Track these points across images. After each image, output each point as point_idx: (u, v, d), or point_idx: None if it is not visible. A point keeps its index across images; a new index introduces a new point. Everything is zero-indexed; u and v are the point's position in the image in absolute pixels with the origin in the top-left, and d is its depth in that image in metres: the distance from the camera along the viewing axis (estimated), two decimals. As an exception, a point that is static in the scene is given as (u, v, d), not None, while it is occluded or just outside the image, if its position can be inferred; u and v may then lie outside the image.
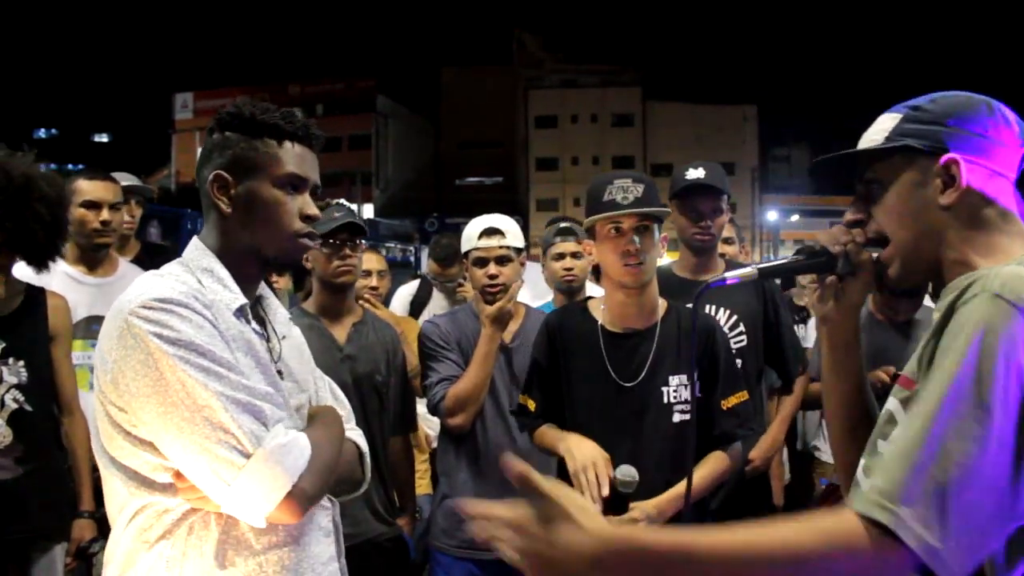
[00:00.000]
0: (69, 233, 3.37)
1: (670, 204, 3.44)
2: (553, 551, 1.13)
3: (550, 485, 1.17)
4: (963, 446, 1.10)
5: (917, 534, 1.08)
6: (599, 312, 2.71)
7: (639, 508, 2.46)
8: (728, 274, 1.60)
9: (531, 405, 2.75)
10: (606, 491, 2.43)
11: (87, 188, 3.54)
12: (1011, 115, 1.37)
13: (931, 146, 1.35)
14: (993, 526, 1.12)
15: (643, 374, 2.60)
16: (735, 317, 3.23)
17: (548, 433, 2.68)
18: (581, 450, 2.50)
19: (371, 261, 4.21)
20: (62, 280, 3.40)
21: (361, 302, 3.66)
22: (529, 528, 1.14)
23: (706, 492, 2.66)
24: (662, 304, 2.71)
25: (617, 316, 2.67)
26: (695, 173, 3.38)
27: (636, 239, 2.53)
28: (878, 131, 1.42)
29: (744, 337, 3.21)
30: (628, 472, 2.48)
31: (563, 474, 2.56)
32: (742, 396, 2.70)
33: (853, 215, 1.49)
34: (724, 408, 2.65)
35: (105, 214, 3.55)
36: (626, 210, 2.53)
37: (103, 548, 3.05)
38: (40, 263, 2.96)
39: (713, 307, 3.27)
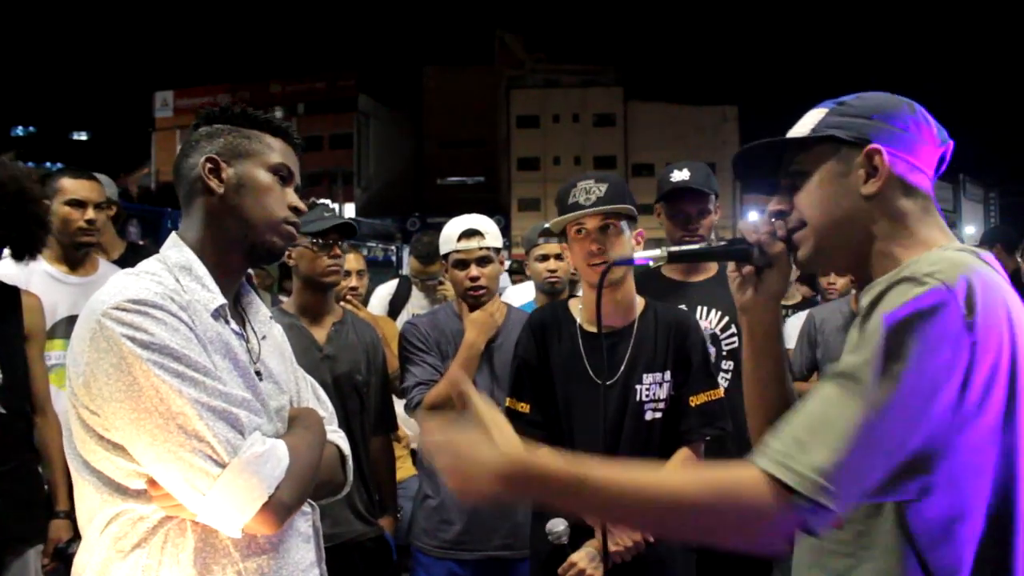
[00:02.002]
0: (52, 231, 3.36)
1: (657, 207, 3.44)
2: (467, 465, 1.22)
3: (482, 405, 1.27)
4: (867, 415, 1.15)
5: (813, 495, 1.13)
6: (577, 311, 2.72)
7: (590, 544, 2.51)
8: (637, 254, 1.64)
9: (523, 408, 2.68)
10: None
11: (71, 187, 3.50)
12: (930, 117, 1.43)
13: (855, 137, 1.39)
14: (876, 483, 1.19)
15: (620, 372, 2.60)
16: (727, 318, 3.23)
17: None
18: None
19: (351, 261, 4.20)
20: (42, 279, 3.37)
21: (342, 303, 3.65)
22: (452, 442, 1.24)
23: None
24: (640, 302, 2.71)
25: (594, 315, 2.67)
26: (680, 175, 3.36)
27: (600, 238, 2.54)
28: (804, 124, 1.46)
29: (736, 339, 3.21)
30: (555, 526, 2.53)
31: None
32: (713, 394, 2.68)
33: (777, 205, 1.51)
34: (692, 405, 2.64)
35: (90, 213, 3.52)
36: (588, 210, 2.54)
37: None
38: (26, 255, 2.97)
39: (705, 308, 3.25)
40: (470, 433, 1.23)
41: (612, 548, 2.46)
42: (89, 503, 1.61)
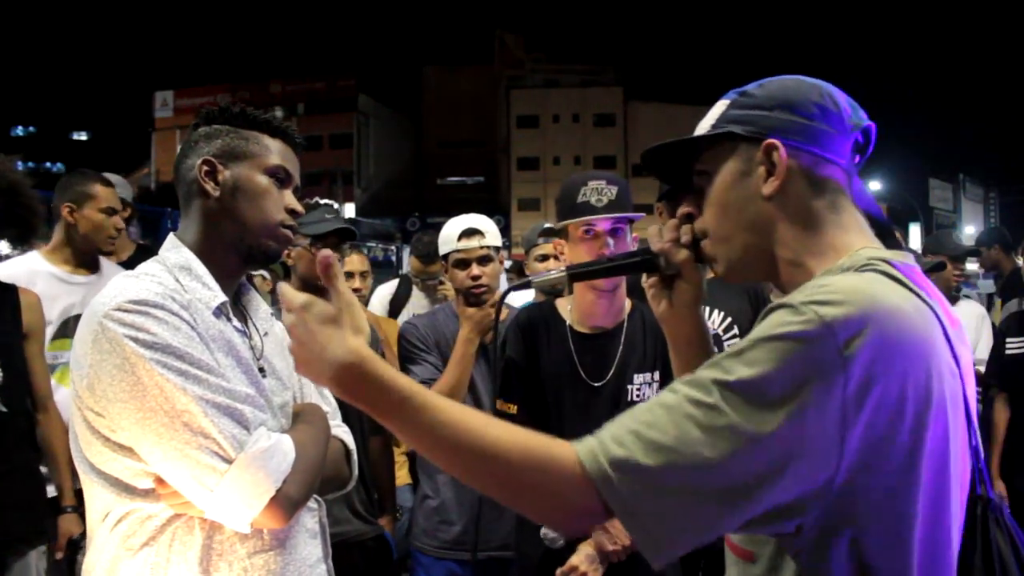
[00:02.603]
0: (75, 236, 3.42)
1: (659, 206, 3.42)
2: (314, 345, 1.17)
3: (348, 296, 1.21)
4: (713, 456, 1.04)
5: (597, 476, 1.07)
6: (567, 312, 2.71)
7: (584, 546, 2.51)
8: (533, 278, 1.57)
9: (511, 409, 2.66)
10: None
11: (106, 195, 3.54)
12: (842, 99, 1.28)
13: (753, 132, 1.25)
14: (714, 527, 1.08)
15: (611, 373, 2.60)
16: (729, 319, 3.22)
17: None
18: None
19: (354, 262, 4.20)
20: (47, 280, 3.38)
21: None
22: (311, 318, 1.18)
23: None
24: (627, 303, 2.72)
25: (586, 316, 2.67)
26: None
27: (610, 242, 2.53)
28: (709, 118, 1.33)
29: (738, 340, 3.20)
30: (550, 530, 2.51)
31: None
32: None
33: (685, 208, 1.40)
34: None
35: (119, 221, 3.59)
36: (600, 214, 2.53)
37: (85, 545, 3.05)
38: (23, 242, 3.05)
39: (707, 308, 3.24)
40: (327, 321, 1.18)
41: (610, 548, 2.47)
42: (98, 503, 1.61)
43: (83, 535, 3.02)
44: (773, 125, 1.25)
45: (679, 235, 1.41)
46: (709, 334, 1.53)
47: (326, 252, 1.24)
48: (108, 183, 3.61)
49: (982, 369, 4.58)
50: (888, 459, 1.06)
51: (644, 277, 1.52)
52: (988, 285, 10.67)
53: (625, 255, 1.53)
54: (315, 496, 1.76)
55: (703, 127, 1.33)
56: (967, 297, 6.05)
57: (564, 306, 2.74)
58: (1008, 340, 4.35)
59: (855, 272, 1.17)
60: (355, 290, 4.19)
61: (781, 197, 1.24)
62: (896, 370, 1.05)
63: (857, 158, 1.29)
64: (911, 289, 1.14)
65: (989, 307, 6.64)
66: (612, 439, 1.09)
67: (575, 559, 2.50)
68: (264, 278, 5.48)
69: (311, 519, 1.77)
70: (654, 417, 1.08)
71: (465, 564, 3.17)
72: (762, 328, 1.09)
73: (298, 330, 1.19)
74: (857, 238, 1.25)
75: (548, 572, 2.53)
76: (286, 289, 1.22)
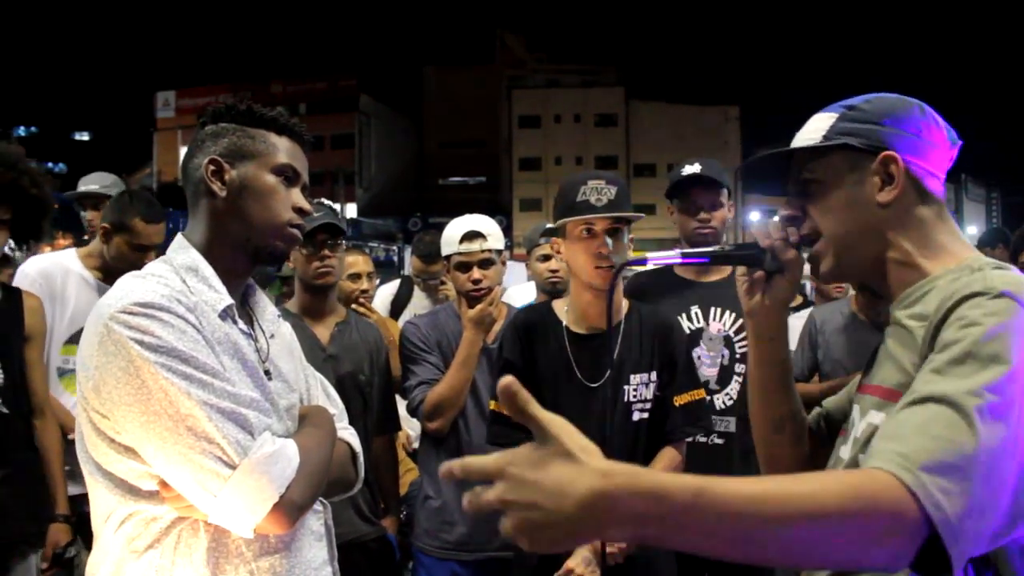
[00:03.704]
0: (106, 253, 3.41)
1: (669, 206, 3.39)
2: (540, 494, 0.91)
3: (548, 416, 0.97)
4: (995, 430, 1.06)
5: (936, 500, 1.00)
6: (563, 312, 2.71)
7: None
8: (651, 255, 1.60)
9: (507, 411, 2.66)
10: None
11: (144, 231, 3.38)
12: (940, 118, 1.41)
13: (869, 144, 1.36)
14: (1004, 514, 1.08)
15: (607, 374, 2.60)
16: (741, 320, 3.21)
17: None
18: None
19: (359, 264, 4.20)
20: (77, 282, 3.39)
21: (353, 307, 3.65)
22: (515, 471, 0.92)
23: None
24: (624, 303, 2.71)
25: (582, 316, 2.67)
26: (691, 168, 3.30)
27: (609, 241, 2.53)
28: (814, 130, 1.43)
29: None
30: None
31: None
32: (696, 394, 2.70)
33: (788, 211, 1.49)
34: (677, 405, 2.65)
35: (151, 257, 3.38)
36: (600, 213, 2.53)
37: (79, 552, 3.05)
38: (27, 241, 3.00)
39: (719, 310, 3.22)
40: (543, 461, 0.93)
41: (608, 550, 2.46)
42: (103, 504, 1.61)
43: (69, 545, 3.02)
44: (886, 138, 1.36)
45: (787, 234, 1.49)
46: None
47: (507, 381, 0.98)
48: (152, 217, 3.41)
49: None
50: None
51: (740, 269, 1.58)
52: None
53: (737, 246, 1.58)
54: (321, 499, 1.75)
55: (810, 138, 1.42)
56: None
57: (561, 307, 2.74)
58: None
59: (993, 268, 1.27)
60: (363, 291, 4.20)
61: (895, 205, 1.36)
62: None
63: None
64: None
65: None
66: (910, 450, 1.04)
67: (571, 562, 2.49)
68: None
69: (317, 521, 1.76)
70: (925, 420, 1.09)
71: (467, 565, 3.17)
72: (970, 321, 1.15)
73: (513, 497, 0.92)
74: (963, 245, 1.37)
75: (545, 575, 2.52)
76: (472, 461, 0.96)
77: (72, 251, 3.55)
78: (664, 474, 0.97)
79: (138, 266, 3.41)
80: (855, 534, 0.98)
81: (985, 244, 6.81)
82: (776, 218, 1.53)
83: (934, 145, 1.38)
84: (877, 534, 0.99)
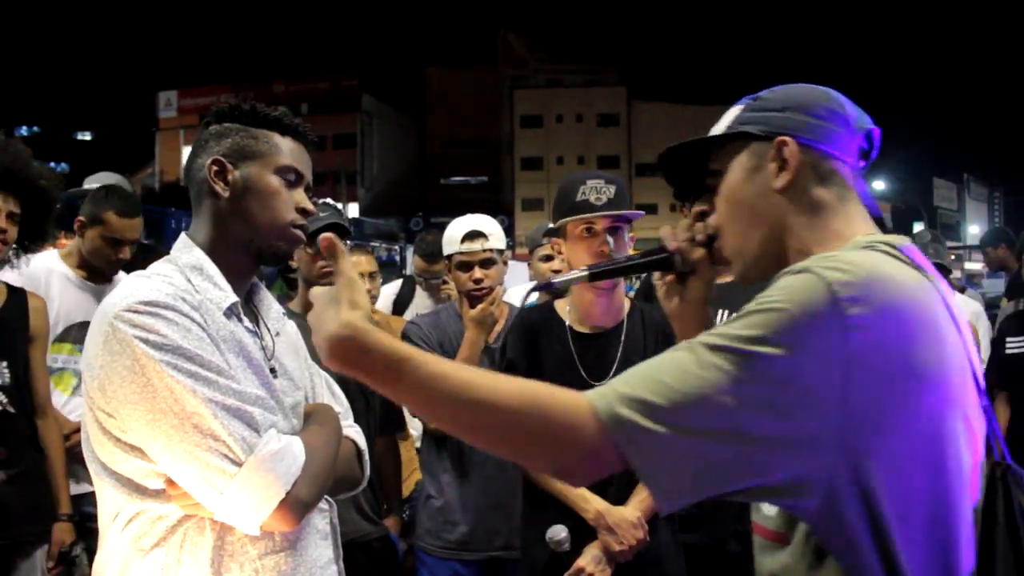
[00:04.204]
0: (83, 248, 3.41)
1: (684, 211, 3.38)
2: (317, 323, 1.22)
3: (349, 273, 1.26)
4: (722, 396, 1.08)
5: (625, 430, 1.08)
6: (565, 312, 2.71)
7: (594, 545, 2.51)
8: (556, 278, 1.59)
9: None
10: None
11: (117, 225, 3.37)
12: (848, 104, 1.36)
13: (766, 131, 1.33)
14: (723, 476, 1.11)
15: (612, 373, 2.60)
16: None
17: None
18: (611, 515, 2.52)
19: (363, 264, 4.21)
20: (60, 281, 3.38)
21: None
22: (316, 303, 1.24)
23: None
24: (626, 303, 2.72)
25: (585, 316, 2.67)
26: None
27: (609, 240, 2.54)
28: (723, 121, 1.41)
29: None
30: (556, 533, 2.52)
31: (531, 495, 2.62)
32: None
33: (700, 207, 1.47)
34: None
35: (126, 252, 3.44)
36: (600, 212, 2.54)
37: (83, 551, 3.06)
38: (31, 245, 3.00)
39: (726, 312, 3.22)
40: (327, 302, 1.23)
41: (617, 548, 2.47)
42: (109, 503, 1.61)
43: (74, 544, 3.03)
44: (785, 124, 1.32)
45: (694, 233, 1.48)
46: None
47: (328, 235, 1.30)
48: (127, 211, 3.41)
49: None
50: (892, 421, 1.10)
51: (656, 275, 1.57)
52: (993, 284, 10.65)
53: (644, 254, 1.57)
54: (326, 497, 1.75)
55: (717, 130, 1.41)
56: (971, 297, 6.04)
57: (563, 307, 2.74)
58: (1008, 339, 4.37)
59: (854, 249, 1.23)
60: (366, 291, 4.21)
61: (791, 190, 1.31)
62: (897, 334, 1.11)
63: (862, 162, 1.36)
64: (913, 266, 1.21)
65: (995, 306, 6.63)
66: (622, 383, 1.12)
67: (581, 560, 2.50)
68: None
69: (322, 520, 1.76)
70: (660, 365, 1.14)
71: (469, 564, 3.17)
72: (767, 292, 1.15)
73: (311, 320, 1.24)
74: (861, 227, 1.31)
75: (556, 574, 2.53)
76: (315, 291, 1.27)
77: (53, 251, 3.54)
78: (392, 340, 1.20)
79: (113, 261, 3.46)
80: (523, 435, 1.14)
81: (987, 244, 6.81)
82: (684, 219, 1.51)
83: (837, 129, 1.33)
84: (549, 442, 1.13)
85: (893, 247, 1.23)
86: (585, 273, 1.57)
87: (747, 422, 1.08)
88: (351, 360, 1.18)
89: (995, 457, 1.22)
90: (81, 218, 3.42)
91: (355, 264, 4.02)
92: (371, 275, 4.31)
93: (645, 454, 1.09)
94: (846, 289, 1.10)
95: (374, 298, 4.37)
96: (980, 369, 1.25)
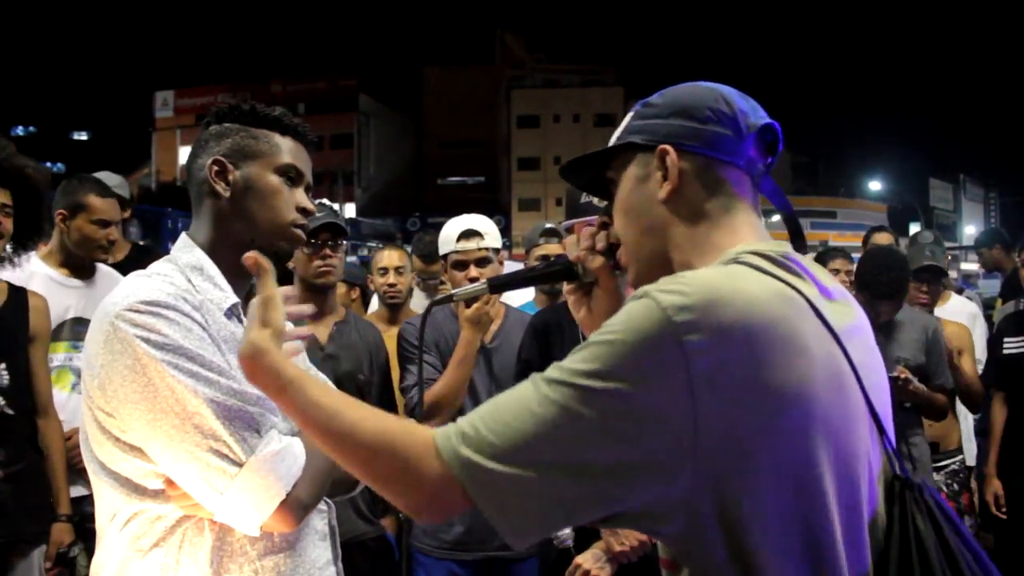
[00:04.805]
0: (69, 242, 3.41)
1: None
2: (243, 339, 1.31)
3: (268, 289, 1.35)
4: (561, 432, 1.07)
5: (463, 465, 1.09)
6: None
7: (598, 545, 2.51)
8: (456, 291, 1.56)
9: None
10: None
11: (100, 206, 3.51)
12: (739, 102, 1.31)
13: (650, 140, 1.30)
14: (570, 511, 1.10)
15: None
16: None
17: None
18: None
19: (390, 257, 4.32)
20: (43, 282, 3.38)
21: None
22: (250, 318, 1.34)
23: None
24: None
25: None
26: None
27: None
28: (618, 129, 1.38)
29: None
30: (559, 532, 2.52)
31: None
32: None
33: (601, 218, 1.45)
34: None
35: (113, 232, 3.55)
36: (604, 212, 2.54)
37: (82, 552, 3.05)
38: (26, 245, 2.99)
39: None
40: (249, 319, 1.33)
41: (618, 548, 2.47)
42: (107, 503, 1.61)
43: (72, 544, 3.03)
44: (668, 132, 1.29)
45: (593, 243, 1.45)
46: None
47: (252, 253, 1.39)
48: (105, 192, 3.56)
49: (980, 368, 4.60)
50: (751, 444, 1.07)
51: (564, 286, 1.54)
52: (990, 285, 10.66)
53: (545, 264, 1.54)
54: (325, 498, 1.75)
55: (613, 138, 1.37)
56: (969, 298, 6.05)
57: None
58: (1006, 340, 4.37)
59: (717, 265, 1.20)
60: (390, 285, 4.26)
61: (675, 200, 1.28)
62: (744, 354, 1.07)
63: (769, 159, 1.32)
64: (777, 277, 1.16)
65: (990, 307, 6.64)
66: (466, 422, 1.13)
67: (581, 559, 2.51)
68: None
69: (321, 521, 1.76)
70: (505, 402, 1.13)
71: (465, 564, 3.18)
72: (609, 320, 1.14)
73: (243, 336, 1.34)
74: (744, 238, 1.27)
75: (563, 570, 2.55)
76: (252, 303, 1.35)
77: (32, 254, 3.57)
78: (287, 363, 1.27)
79: (103, 245, 3.48)
80: (376, 473, 1.17)
81: (982, 244, 6.82)
82: (586, 228, 1.48)
83: (724, 131, 1.28)
84: (398, 482, 1.15)
85: (764, 256, 1.19)
86: (484, 285, 1.54)
87: (591, 455, 1.07)
88: (250, 376, 1.29)
89: (892, 471, 1.19)
90: (61, 211, 3.46)
91: (384, 258, 4.30)
92: (397, 269, 4.34)
93: (488, 494, 1.09)
94: (682, 314, 1.07)
95: (401, 293, 4.38)
96: (880, 380, 1.23)
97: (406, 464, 1.13)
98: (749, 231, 1.28)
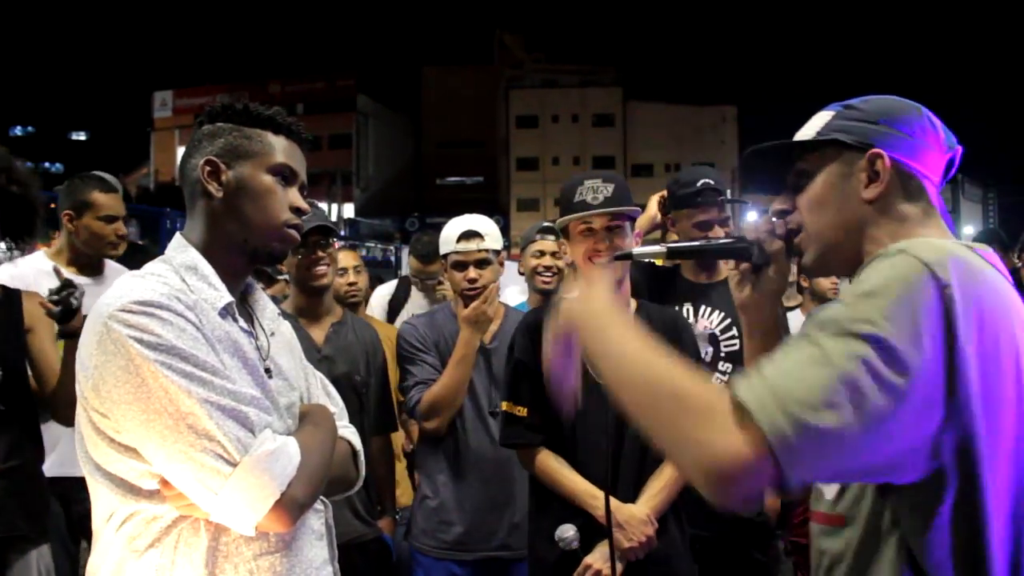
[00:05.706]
0: (78, 241, 3.42)
1: (676, 215, 3.37)
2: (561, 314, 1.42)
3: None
4: (859, 380, 1.10)
5: (770, 419, 1.09)
6: None
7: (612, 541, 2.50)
8: (635, 250, 1.63)
9: (520, 412, 2.65)
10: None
11: (106, 202, 3.52)
12: (938, 123, 1.42)
13: (859, 141, 1.39)
14: (854, 456, 1.12)
15: None
16: (728, 319, 3.20)
17: (562, 473, 2.59)
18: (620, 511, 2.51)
19: (345, 258, 4.25)
20: (51, 280, 3.37)
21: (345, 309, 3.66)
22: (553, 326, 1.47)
23: (680, 484, 2.62)
24: (632, 302, 2.72)
25: None
26: (705, 180, 3.28)
27: (607, 238, 2.54)
28: (812, 126, 1.46)
29: (736, 341, 3.17)
30: (564, 532, 2.52)
31: (538, 494, 2.62)
32: None
33: (780, 204, 1.52)
34: None
35: (121, 227, 3.57)
36: (596, 210, 2.54)
37: (80, 551, 3.03)
38: (19, 240, 2.99)
39: (708, 308, 3.23)
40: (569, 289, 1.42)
41: (627, 545, 2.47)
42: (103, 504, 1.61)
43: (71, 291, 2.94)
44: (877, 136, 1.38)
45: (773, 227, 1.53)
46: (783, 324, 1.60)
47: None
48: (108, 188, 3.57)
49: None
50: (996, 407, 1.15)
51: (731, 264, 1.61)
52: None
53: (723, 240, 1.60)
54: (321, 498, 1.74)
55: (807, 133, 1.46)
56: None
57: None
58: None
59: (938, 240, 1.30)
60: (350, 284, 4.25)
61: (879, 202, 1.37)
62: (991, 316, 1.17)
63: (944, 181, 1.43)
64: (995, 267, 1.28)
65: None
66: (760, 372, 1.15)
67: (590, 558, 2.50)
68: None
69: (317, 521, 1.76)
70: (796, 361, 1.14)
71: (465, 564, 3.17)
72: (869, 276, 1.20)
73: (554, 328, 1.53)
74: (940, 236, 1.36)
75: (565, 573, 2.53)
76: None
77: (39, 253, 3.57)
78: (614, 313, 1.33)
79: (113, 240, 3.48)
80: (666, 417, 1.16)
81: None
82: (764, 213, 1.55)
83: (927, 147, 1.39)
84: (686, 427, 1.13)
85: (971, 249, 1.28)
86: (663, 249, 1.60)
87: (881, 402, 1.10)
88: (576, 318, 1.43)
89: None
90: (68, 212, 3.47)
91: (340, 258, 4.11)
92: (355, 269, 4.35)
93: (808, 445, 1.09)
94: (940, 267, 1.16)
95: (361, 291, 4.41)
96: None
97: (693, 411, 1.14)
98: (943, 233, 1.38)
